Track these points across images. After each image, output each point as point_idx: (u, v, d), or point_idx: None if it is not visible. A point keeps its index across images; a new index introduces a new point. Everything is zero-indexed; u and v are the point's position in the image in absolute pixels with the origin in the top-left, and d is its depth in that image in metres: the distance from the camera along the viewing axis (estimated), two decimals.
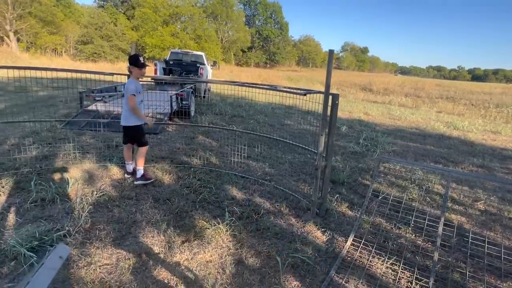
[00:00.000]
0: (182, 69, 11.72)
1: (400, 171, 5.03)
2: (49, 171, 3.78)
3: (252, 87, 3.93)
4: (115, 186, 3.59)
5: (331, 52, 2.92)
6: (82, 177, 3.70)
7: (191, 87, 8.50)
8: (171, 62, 12.13)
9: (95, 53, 33.29)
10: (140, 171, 3.69)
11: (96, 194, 3.25)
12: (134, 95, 3.45)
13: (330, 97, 2.99)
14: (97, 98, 7.23)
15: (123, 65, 29.72)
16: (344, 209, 3.51)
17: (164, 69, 11.51)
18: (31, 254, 2.21)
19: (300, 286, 2.23)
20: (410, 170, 4.99)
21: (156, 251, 2.45)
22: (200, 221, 2.92)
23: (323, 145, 3.10)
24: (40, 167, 3.85)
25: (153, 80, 8.47)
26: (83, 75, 4.57)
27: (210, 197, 3.45)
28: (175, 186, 3.69)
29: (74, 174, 3.78)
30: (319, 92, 3.20)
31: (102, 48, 33.68)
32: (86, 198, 3.12)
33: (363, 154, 5.85)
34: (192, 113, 7.91)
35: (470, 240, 2.86)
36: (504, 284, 2.41)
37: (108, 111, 6.75)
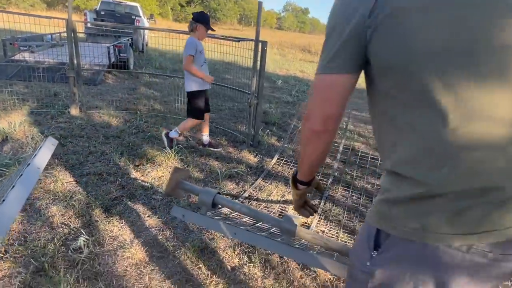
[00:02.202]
0: (116, 21, 11.01)
1: None
2: None
3: None
4: (63, 128, 3.80)
5: (260, 3, 3.43)
6: (26, 120, 3.81)
7: (128, 39, 8.27)
8: (102, 13, 11.24)
9: None
10: (173, 133, 3.47)
11: (45, 133, 3.47)
12: (193, 55, 3.18)
13: (260, 44, 3.56)
14: (22, 48, 6.74)
15: (42, 14, 25.93)
16: (273, 141, 4.28)
17: (95, 19, 10.71)
18: (3, 170, 2.50)
19: (235, 187, 2.94)
20: None
21: (114, 172, 2.90)
22: (150, 150, 3.40)
23: (254, 85, 3.72)
24: None
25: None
26: None
27: (158, 135, 3.90)
28: (123, 127, 4.03)
29: (18, 118, 3.85)
30: (251, 40, 3.73)
31: None
32: (38, 136, 3.33)
33: (294, 103, 6.68)
34: (131, 67, 7.83)
35: (359, 155, 3.86)
36: (377, 182, 3.44)
37: (38, 61, 6.40)
